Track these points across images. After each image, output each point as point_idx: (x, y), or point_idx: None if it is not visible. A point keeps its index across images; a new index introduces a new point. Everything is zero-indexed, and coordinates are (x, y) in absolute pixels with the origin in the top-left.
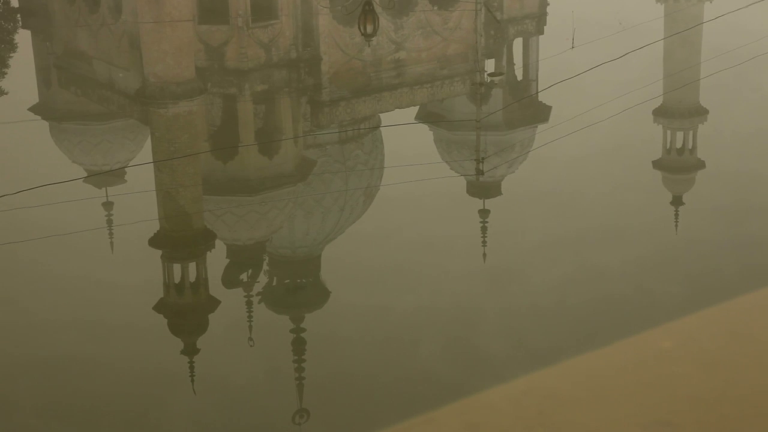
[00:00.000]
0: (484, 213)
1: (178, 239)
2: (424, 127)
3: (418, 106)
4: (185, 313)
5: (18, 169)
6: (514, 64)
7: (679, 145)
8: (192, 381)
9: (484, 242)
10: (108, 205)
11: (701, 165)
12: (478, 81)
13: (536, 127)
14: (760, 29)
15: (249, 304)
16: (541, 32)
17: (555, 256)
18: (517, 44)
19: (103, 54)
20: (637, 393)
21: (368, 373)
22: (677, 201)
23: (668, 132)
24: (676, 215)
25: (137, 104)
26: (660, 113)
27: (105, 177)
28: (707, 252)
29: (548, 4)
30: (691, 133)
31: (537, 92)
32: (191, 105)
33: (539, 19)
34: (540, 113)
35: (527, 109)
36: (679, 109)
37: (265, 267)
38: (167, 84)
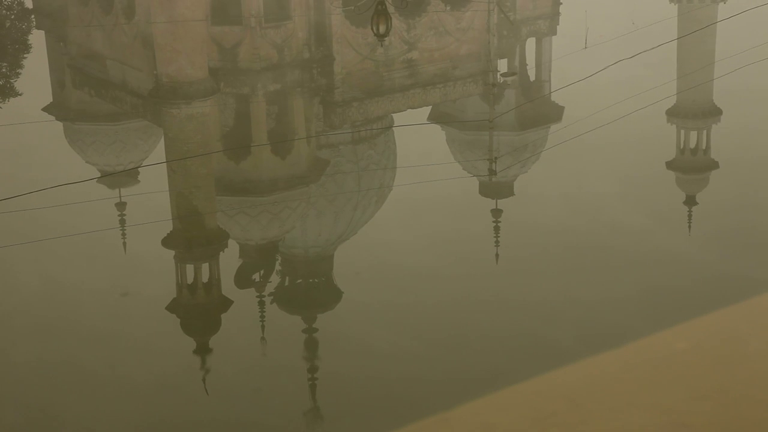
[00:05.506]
0: (496, 213)
1: (191, 239)
2: (436, 128)
3: (430, 107)
4: (198, 312)
5: (32, 170)
6: (527, 65)
7: (692, 145)
8: (204, 381)
9: (496, 242)
10: (121, 206)
11: (715, 165)
12: (490, 81)
13: (549, 127)
14: None
15: (261, 304)
16: (554, 32)
17: (567, 256)
18: (530, 44)
19: (116, 54)
20: (652, 394)
21: (381, 373)
22: (691, 201)
23: (682, 132)
24: (690, 215)
25: (150, 104)
26: (673, 113)
27: (118, 177)
28: (721, 252)
29: (561, 4)
30: (704, 133)
31: (550, 92)
32: (204, 105)
33: (552, 19)
34: (553, 113)
35: (540, 109)
36: (693, 110)
37: (278, 267)
38: (180, 84)
